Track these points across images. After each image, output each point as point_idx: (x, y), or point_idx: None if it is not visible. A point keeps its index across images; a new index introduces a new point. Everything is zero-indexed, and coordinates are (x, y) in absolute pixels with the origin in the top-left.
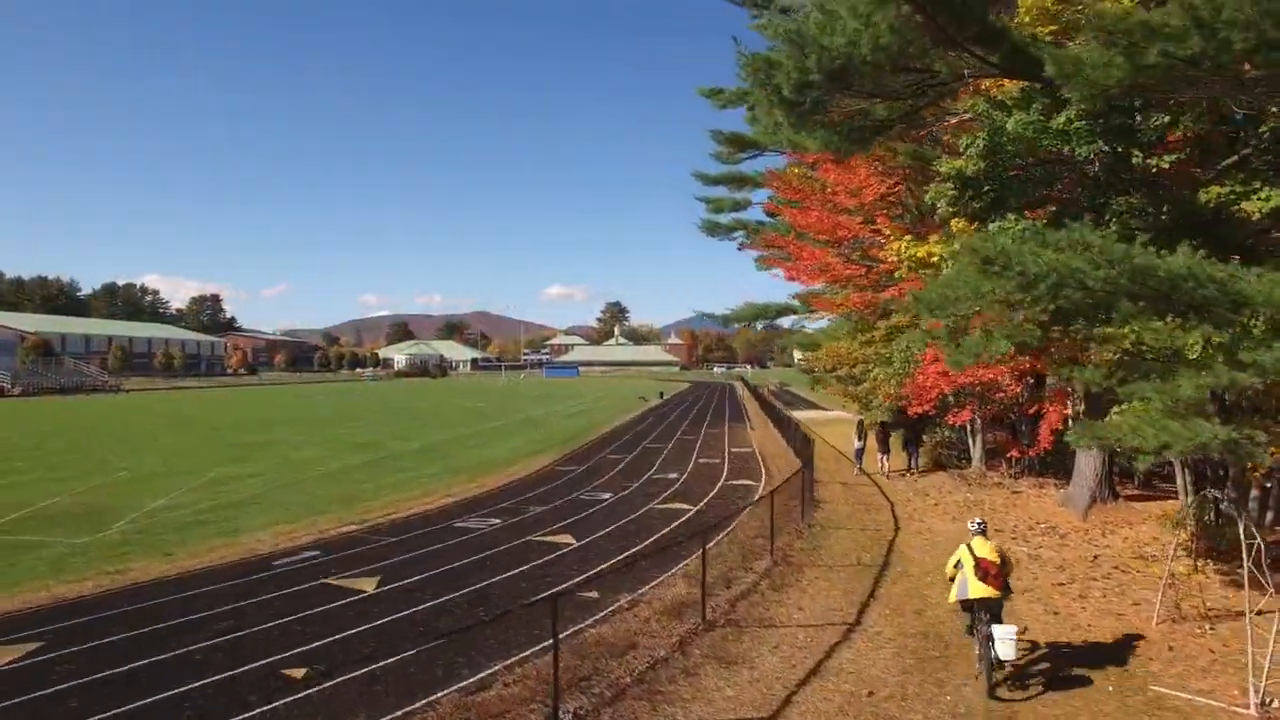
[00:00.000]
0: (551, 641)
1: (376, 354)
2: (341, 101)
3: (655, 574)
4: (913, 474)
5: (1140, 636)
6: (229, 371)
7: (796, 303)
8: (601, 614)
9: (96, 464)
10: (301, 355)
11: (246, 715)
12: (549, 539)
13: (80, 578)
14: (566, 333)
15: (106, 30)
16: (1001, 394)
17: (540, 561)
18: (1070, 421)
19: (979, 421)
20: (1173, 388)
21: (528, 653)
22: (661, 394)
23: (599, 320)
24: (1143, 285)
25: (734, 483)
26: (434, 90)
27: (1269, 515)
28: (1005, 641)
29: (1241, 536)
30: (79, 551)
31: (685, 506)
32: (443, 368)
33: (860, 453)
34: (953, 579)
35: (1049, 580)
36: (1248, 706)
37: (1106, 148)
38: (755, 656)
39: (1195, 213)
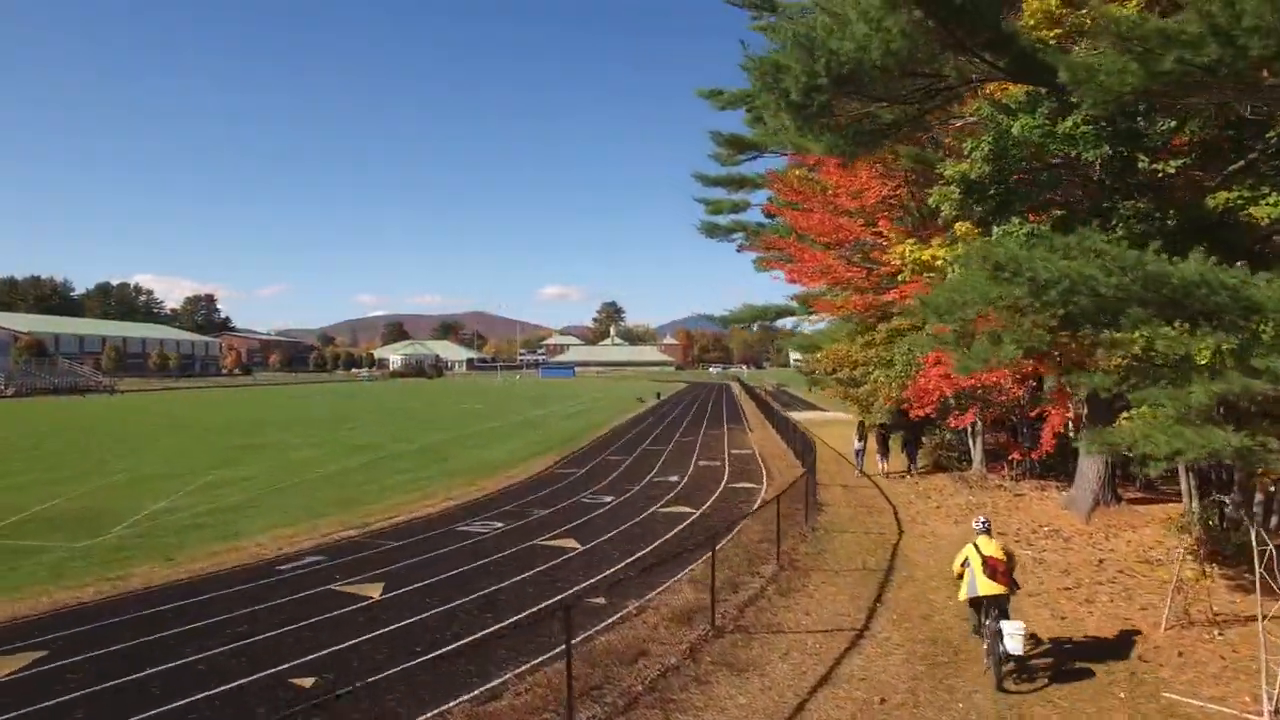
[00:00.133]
0: (561, 649)
1: (372, 354)
2: (337, 101)
3: (662, 579)
4: (912, 475)
5: (1149, 642)
6: (224, 372)
7: (795, 304)
8: (610, 620)
9: (93, 466)
10: (297, 355)
11: None
12: (553, 543)
13: (81, 583)
14: (562, 333)
15: (105, 29)
16: (1003, 397)
17: (546, 566)
18: (1071, 424)
19: (980, 424)
20: (1185, 394)
21: (537, 660)
22: (659, 395)
23: (595, 320)
24: (1155, 292)
25: (735, 485)
26: (431, 90)
27: (1274, 519)
28: (1014, 636)
29: (1254, 543)
30: (78, 556)
31: (688, 510)
32: (438, 368)
33: (861, 454)
34: (960, 577)
35: (1055, 584)
36: (1261, 714)
37: (1112, 152)
38: (766, 663)
39: (1203, 218)
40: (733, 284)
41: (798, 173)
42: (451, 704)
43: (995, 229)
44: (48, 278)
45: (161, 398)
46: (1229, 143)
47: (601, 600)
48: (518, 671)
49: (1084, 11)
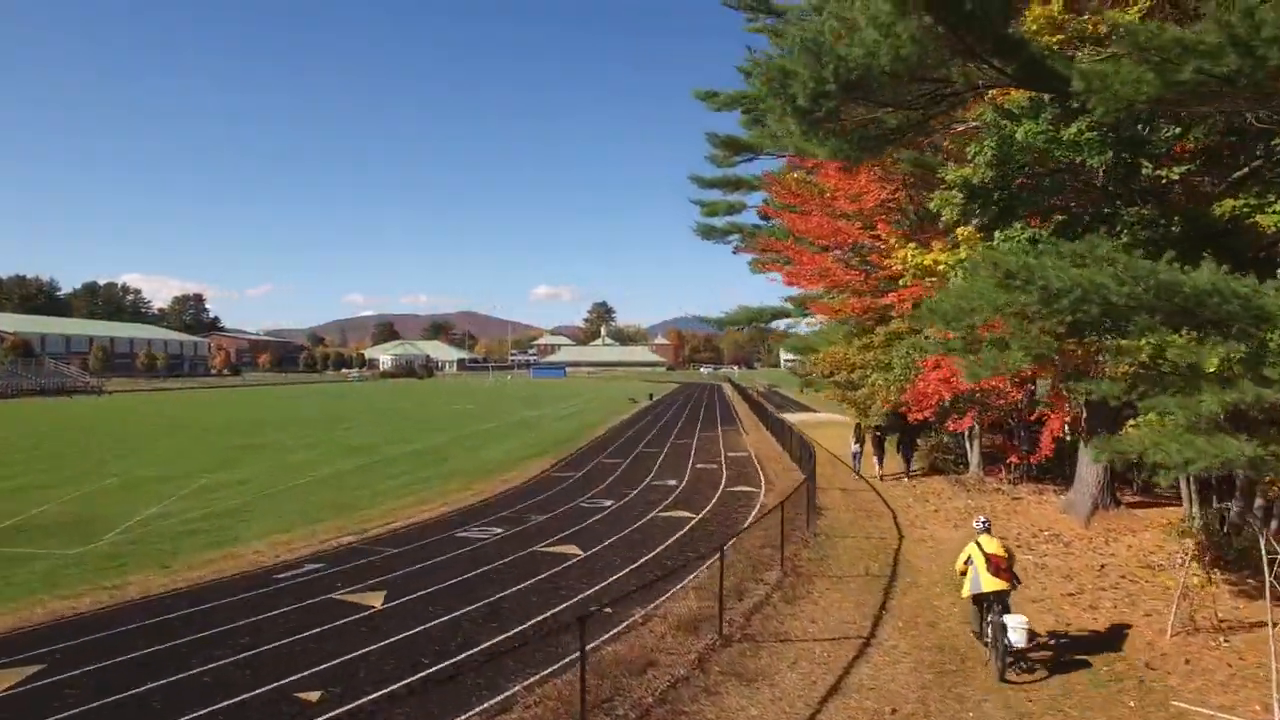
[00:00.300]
0: (568, 660)
1: (362, 354)
2: (327, 101)
3: (666, 586)
4: (908, 478)
5: (1155, 649)
6: (213, 372)
7: (790, 306)
8: (616, 630)
9: (84, 470)
10: (286, 355)
11: None
12: (554, 549)
13: (77, 592)
14: (553, 333)
15: (102, 29)
16: (1002, 401)
17: (548, 573)
18: (1069, 428)
19: (977, 427)
20: (1195, 403)
21: (546, 671)
22: (651, 396)
23: (585, 320)
24: (1168, 301)
25: (734, 489)
26: (423, 89)
27: (1274, 524)
28: (1017, 630)
29: (1263, 551)
30: (72, 563)
31: (688, 515)
32: (429, 368)
33: (858, 457)
34: (963, 574)
35: (1058, 590)
36: None
37: (1116, 158)
38: (775, 673)
39: (1209, 225)
40: (724, 284)
41: (796, 175)
42: (461, 717)
43: (997, 234)
44: (33, 277)
45: (150, 399)
46: (1230, 149)
47: (607, 609)
48: (527, 684)
49: (1086, 17)
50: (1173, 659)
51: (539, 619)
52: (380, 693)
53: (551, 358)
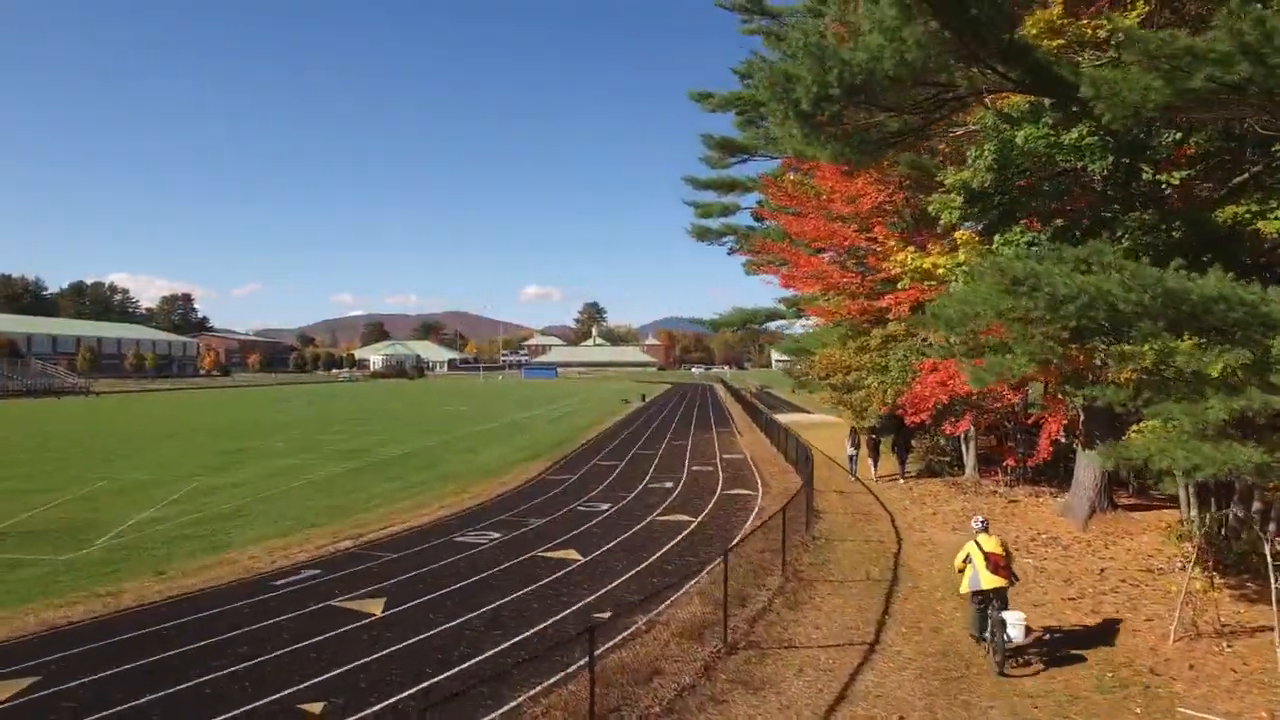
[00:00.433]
0: (574, 668)
1: (352, 354)
2: (318, 100)
3: (668, 592)
4: (903, 480)
5: (1159, 654)
6: (202, 373)
7: (783, 307)
8: (620, 637)
9: (73, 473)
10: (276, 356)
11: None
12: (554, 554)
13: (69, 601)
14: (543, 333)
15: (98, 28)
16: (998, 403)
17: (549, 579)
18: (1066, 431)
19: (973, 429)
20: (1201, 409)
21: (552, 680)
22: (643, 397)
23: (576, 320)
24: (1175, 309)
25: (731, 492)
26: (416, 89)
27: (1271, 527)
28: (1016, 625)
29: (1268, 557)
30: (64, 570)
31: (686, 519)
32: (420, 368)
33: (854, 460)
34: (961, 571)
35: (1058, 595)
36: None
37: (1116, 163)
38: (781, 681)
39: (1210, 231)
40: (716, 284)
41: (792, 177)
42: None
43: (997, 238)
44: (19, 276)
45: (140, 399)
46: (1229, 154)
47: (609, 615)
48: (532, 694)
49: (1085, 22)
50: (1177, 664)
51: (542, 626)
52: (384, 704)
53: (543, 358)
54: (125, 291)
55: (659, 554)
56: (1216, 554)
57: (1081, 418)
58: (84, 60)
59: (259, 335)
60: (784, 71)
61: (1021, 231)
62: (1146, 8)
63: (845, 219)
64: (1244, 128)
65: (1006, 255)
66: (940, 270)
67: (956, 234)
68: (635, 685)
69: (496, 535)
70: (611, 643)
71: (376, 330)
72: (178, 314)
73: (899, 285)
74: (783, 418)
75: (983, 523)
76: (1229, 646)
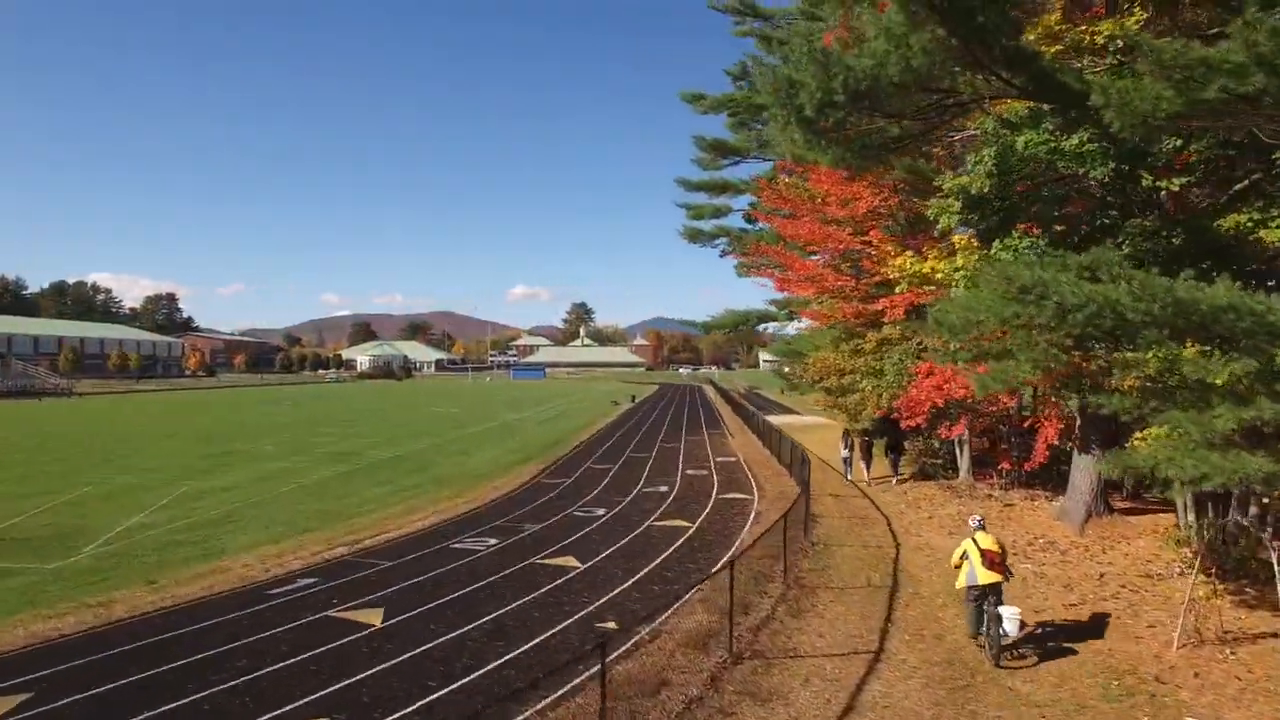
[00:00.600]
0: (580, 679)
1: (339, 355)
2: (307, 99)
3: (671, 600)
4: (895, 482)
5: (1163, 661)
6: (187, 373)
7: (775, 309)
8: (624, 647)
9: (58, 477)
10: (262, 356)
11: None
12: (552, 561)
13: (59, 612)
14: (531, 333)
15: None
16: (994, 407)
17: (549, 587)
18: (1061, 435)
19: (967, 432)
20: (1208, 419)
21: (559, 693)
22: (633, 398)
23: (564, 321)
24: (1186, 319)
25: (727, 496)
26: (407, 90)
27: (1267, 531)
28: (1011, 620)
29: (1275, 563)
30: (51, 579)
31: (684, 524)
32: (407, 369)
33: (848, 462)
34: (958, 567)
35: (1059, 601)
36: None
37: (1116, 169)
38: (788, 691)
39: (1211, 238)
40: (704, 285)
41: (786, 180)
42: None
43: (996, 243)
44: None
45: (124, 401)
46: (1227, 162)
47: (612, 624)
48: (539, 707)
49: (1083, 28)
50: (1182, 672)
51: (545, 636)
52: (391, 718)
53: (531, 358)
54: (108, 291)
55: (658, 561)
56: (1216, 560)
57: (1078, 422)
58: (69, 57)
59: (244, 335)
60: (788, 77)
61: (1020, 236)
62: (1144, 14)
63: (839, 222)
64: (1244, 135)
65: (1005, 259)
66: (939, 275)
67: (955, 238)
68: (643, 698)
69: (494, 541)
70: (617, 653)
71: (363, 330)
72: (162, 314)
73: (896, 290)
74: (773, 419)
75: (980, 521)
76: (1232, 653)
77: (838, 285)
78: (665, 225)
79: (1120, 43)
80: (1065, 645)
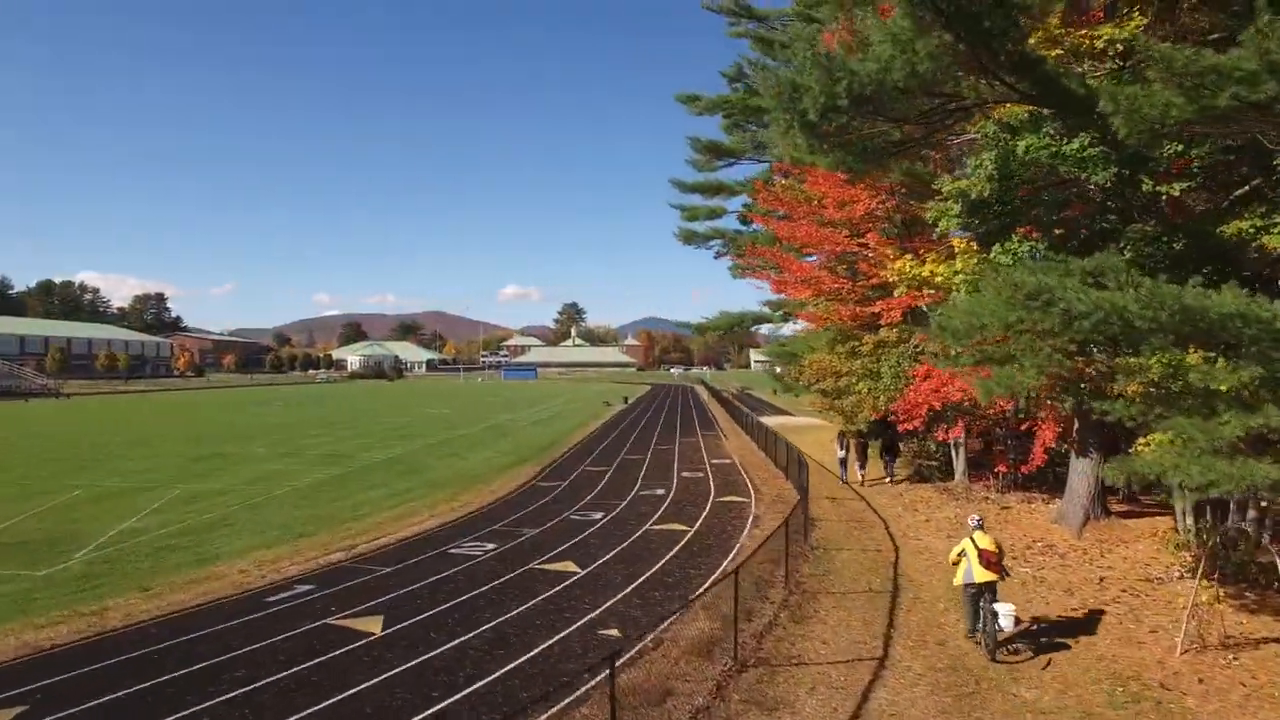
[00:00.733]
0: (585, 690)
1: (330, 355)
2: (295, 98)
3: (672, 606)
4: (889, 483)
5: (1167, 667)
6: (176, 373)
7: (769, 310)
8: (627, 656)
9: (48, 480)
10: (252, 356)
11: None
12: (551, 567)
13: (52, 620)
14: (522, 333)
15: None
16: (991, 410)
17: (549, 593)
18: (1058, 439)
19: (963, 435)
20: (1215, 426)
21: (565, 703)
22: (626, 399)
23: (556, 321)
24: (1193, 326)
25: (724, 499)
26: (397, 88)
27: (1265, 535)
28: (1006, 616)
29: None
30: (42, 586)
31: (682, 528)
32: (398, 369)
33: (844, 463)
34: (956, 564)
35: (1060, 605)
36: None
37: (1116, 174)
38: (794, 700)
39: (1213, 244)
40: (697, 285)
41: (783, 182)
42: None
43: (995, 247)
44: None
45: (112, 401)
46: (1226, 167)
47: (615, 632)
48: (544, 718)
49: (1082, 32)
50: (1186, 678)
51: (547, 644)
52: None
53: (522, 358)
54: (95, 290)
55: (658, 566)
56: (1216, 564)
57: (1075, 425)
58: (51, 53)
59: (234, 335)
60: (791, 81)
61: (1020, 240)
62: (1144, 20)
63: (836, 224)
64: (1245, 141)
65: (1005, 263)
66: (938, 279)
67: (954, 241)
68: (649, 707)
69: (491, 546)
70: (620, 661)
71: (354, 330)
72: (150, 313)
73: (895, 293)
74: (767, 420)
75: (978, 521)
76: (1235, 659)
77: (834, 288)
78: (657, 226)
79: (1120, 47)
80: (1068, 650)
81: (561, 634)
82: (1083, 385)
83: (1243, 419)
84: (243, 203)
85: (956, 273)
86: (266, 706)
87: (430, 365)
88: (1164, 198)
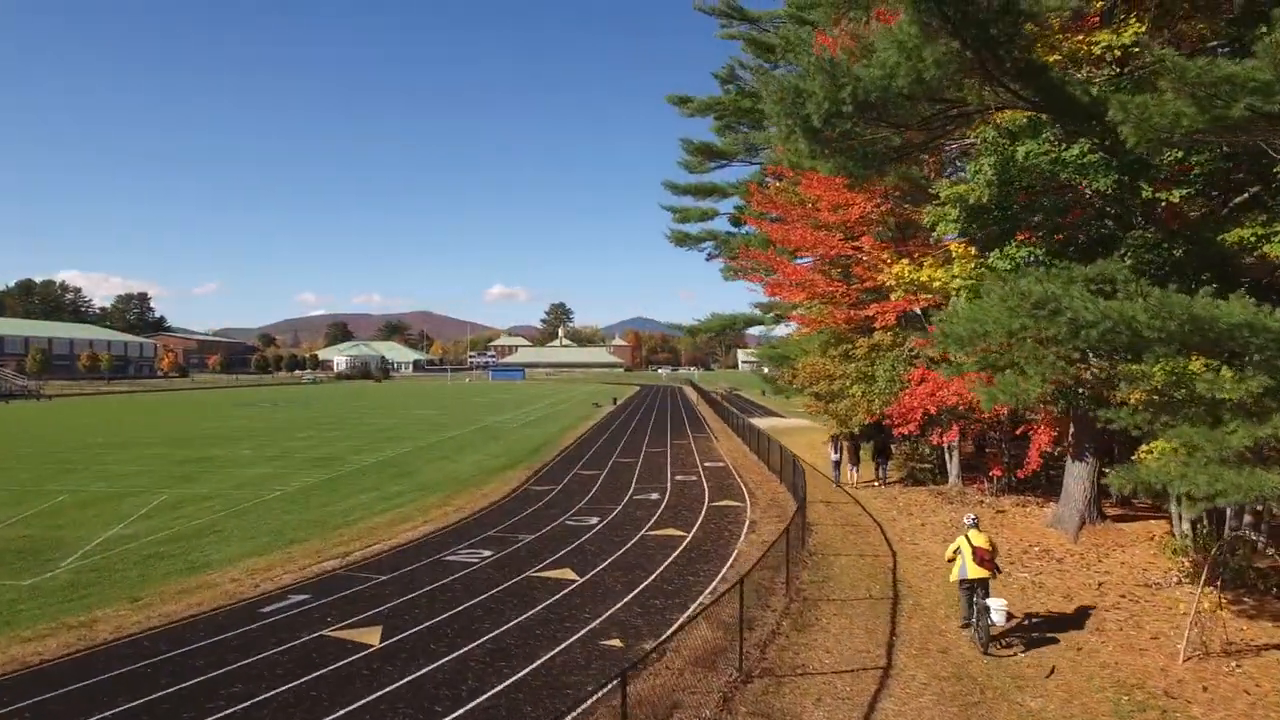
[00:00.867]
0: (591, 702)
1: (315, 355)
2: (281, 96)
3: (673, 615)
4: (885, 486)
5: (1170, 675)
6: (160, 374)
7: (760, 313)
8: (632, 665)
9: (31, 485)
10: (236, 357)
11: None
12: (549, 574)
13: (39, 633)
14: (510, 333)
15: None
16: (986, 414)
17: (549, 602)
18: (1054, 443)
19: (958, 438)
20: (1223, 435)
21: (571, 717)
22: (615, 400)
23: (543, 321)
24: (1202, 335)
25: (718, 504)
26: (384, 87)
27: (1260, 540)
28: (998, 611)
29: None
30: (27, 597)
31: (679, 533)
32: (385, 369)
33: (838, 465)
34: (951, 561)
35: (1060, 611)
36: None
37: (1116, 181)
38: (801, 711)
39: (1215, 252)
40: (683, 285)
41: (778, 185)
42: None
43: (994, 253)
44: None
45: (95, 403)
46: (1223, 174)
47: (617, 642)
48: None
49: (1080, 38)
50: (1190, 686)
51: (549, 656)
52: None
53: (510, 359)
54: (77, 290)
55: (657, 573)
56: (1215, 570)
57: (1071, 429)
58: (32, 51)
59: (219, 335)
60: (794, 87)
61: (1018, 246)
62: (1141, 26)
63: (830, 227)
64: (1246, 148)
65: (1002, 268)
66: (936, 284)
67: (951, 246)
68: None
69: (488, 553)
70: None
71: (340, 330)
72: (133, 313)
73: (892, 296)
74: (757, 422)
75: (973, 520)
76: (1238, 666)
77: (828, 291)
78: (644, 226)
79: (1117, 53)
80: (1072, 658)
81: (563, 644)
82: (1080, 390)
83: (1251, 429)
84: (227, 202)
85: (954, 277)
86: None
87: (417, 366)
88: (1163, 204)
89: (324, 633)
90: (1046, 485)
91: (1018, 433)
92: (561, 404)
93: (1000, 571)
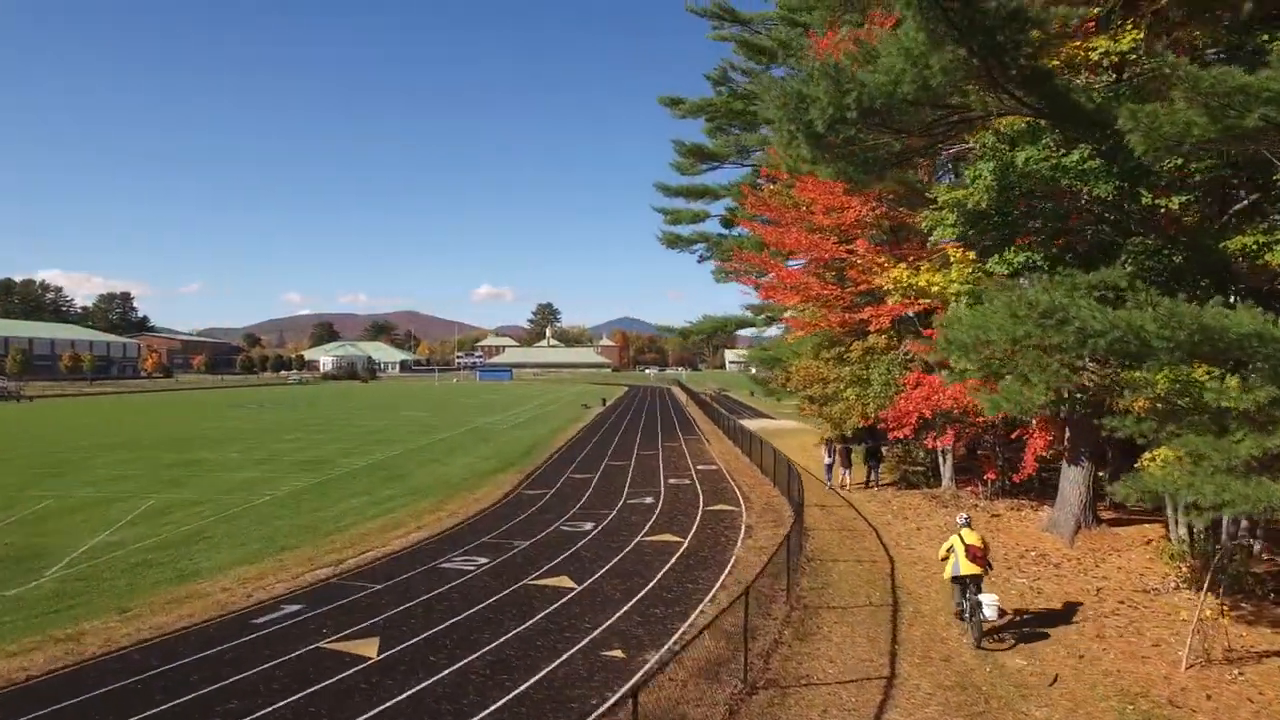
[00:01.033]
0: (596, 715)
1: (301, 356)
2: (269, 95)
3: (674, 624)
4: (877, 489)
5: (1173, 683)
6: (143, 374)
7: (751, 315)
8: (636, 678)
9: (13, 490)
10: (221, 357)
11: None
12: (546, 582)
13: (25, 647)
14: (497, 333)
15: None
16: (981, 418)
17: (548, 611)
18: (1049, 447)
19: (951, 442)
20: (1229, 444)
21: None
22: (604, 401)
23: (530, 321)
24: (1212, 345)
25: (713, 508)
26: (372, 86)
27: (1255, 544)
28: (990, 606)
29: None
30: (11, 608)
31: (675, 539)
32: (372, 370)
33: (831, 469)
34: (944, 559)
35: (1060, 618)
36: None
37: (1116, 187)
38: None
39: (1216, 259)
40: (671, 286)
41: (771, 187)
42: None
43: (994, 257)
44: None
45: (78, 404)
46: (1222, 181)
47: (619, 653)
48: None
49: (1077, 43)
50: (1194, 694)
51: (551, 668)
52: None
53: (497, 359)
54: (58, 289)
55: (655, 580)
56: (1214, 576)
57: (1068, 433)
58: (15, 49)
59: (203, 335)
60: (798, 92)
61: (1017, 251)
62: (1138, 33)
63: (825, 230)
64: (1247, 156)
65: (1001, 273)
66: (934, 289)
67: (949, 250)
68: None
69: (483, 561)
70: (628, 685)
71: (326, 330)
72: (116, 313)
73: (888, 300)
74: (748, 424)
75: (966, 519)
76: (1241, 674)
77: (822, 293)
78: (632, 226)
79: (1115, 59)
80: (1074, 666)
81: (564, 656)
82: (1080, 397)
83: (1260, 439)
84: (211, 201)
85: (953, 282)
86: None
87: (404, 366)
88: (1162, 210)
89: (320, 644)
90: (1040, 489)
91: (1012, 436)
92: (550, 405)
93: (992, 568)
